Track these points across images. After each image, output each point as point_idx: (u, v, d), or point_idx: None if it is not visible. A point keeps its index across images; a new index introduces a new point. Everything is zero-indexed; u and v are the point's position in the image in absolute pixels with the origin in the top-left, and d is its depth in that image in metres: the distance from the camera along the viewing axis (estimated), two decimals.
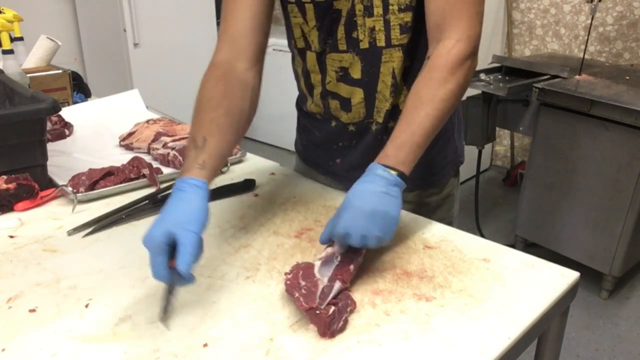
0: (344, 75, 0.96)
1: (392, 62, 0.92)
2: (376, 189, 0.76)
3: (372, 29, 0.90)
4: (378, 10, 0.88)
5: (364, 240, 0.73)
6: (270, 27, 0.95)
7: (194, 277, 0.70)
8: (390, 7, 0.87)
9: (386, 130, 0.99)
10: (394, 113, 0.97)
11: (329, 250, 0.77)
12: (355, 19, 0.90)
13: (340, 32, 0.92)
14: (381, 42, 0.91)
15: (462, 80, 0.84)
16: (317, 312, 0.68)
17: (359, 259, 0.78)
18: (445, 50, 0.83)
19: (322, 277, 0.73)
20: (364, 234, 0.73)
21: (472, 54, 0.85)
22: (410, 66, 0.94)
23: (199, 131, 0.82)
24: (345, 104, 0.99)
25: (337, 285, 0.72)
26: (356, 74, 0.95)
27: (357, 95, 0.97)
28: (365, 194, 0.75)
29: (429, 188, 1.08)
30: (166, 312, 0.69)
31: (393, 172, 0.77)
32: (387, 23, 0.89)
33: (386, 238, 0.75)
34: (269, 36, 0.94)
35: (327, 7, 0.90)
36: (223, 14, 0.91)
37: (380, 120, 0.98)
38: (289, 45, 1.04)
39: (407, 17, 0.88)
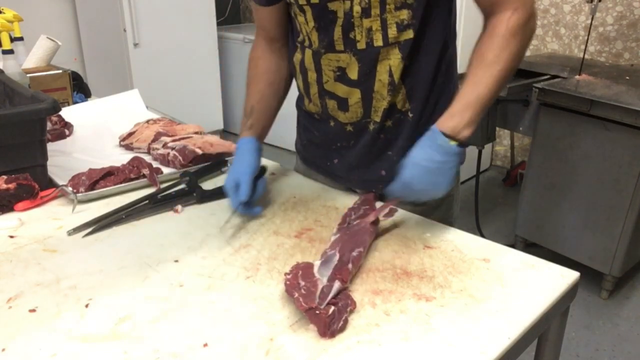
0: (341, 75, 0.96)
1: (388, 59, 0.92)
2: (433, 165, 0.84)
3: (370, 30, 0.90)
4: (375, 10, 0.88)
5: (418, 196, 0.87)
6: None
7: (258, 209, 0.99)
8: (387, 7, 0.88)
9: (383, 129, 0.99)
10: (392, 112, 0.97)
11: (329, 250, 0.77)
12: (352, 20, 0.90)
13: (337, 32, 0.92)
14: (378, 42, 0.91)
15: (525, 42, 0.87)
16: (317, 312, 0.68)
17: (359, 259, 0.79)
18: (505, 17, 0.86)
19: (322, 277, 0.73)
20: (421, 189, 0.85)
21: (531, 15, 0.87)
22: (409, 65, 0.94)
23: (248, 102, 1.07)
24: (343, 104, 0.99)
25: (337, 285, 0.72)
26: (353, 74, 0.95)
27: (354, 96, 0.97)
28: (421, 169, 0.84)
29: None
30: (225, 225, 0.96)
31: (453, 143, 0.84)
32: (384, 22, 0.89)
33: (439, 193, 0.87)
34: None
35: (321, 8, 0.91)
36: (253, 12, 1.09)
37: (377, 119, 0.98)
38: (291, 40, 1.04)
39: (403, 14, 0.88)
